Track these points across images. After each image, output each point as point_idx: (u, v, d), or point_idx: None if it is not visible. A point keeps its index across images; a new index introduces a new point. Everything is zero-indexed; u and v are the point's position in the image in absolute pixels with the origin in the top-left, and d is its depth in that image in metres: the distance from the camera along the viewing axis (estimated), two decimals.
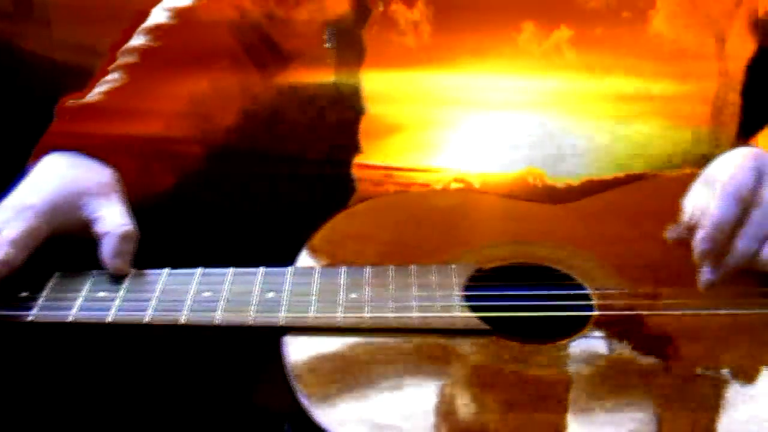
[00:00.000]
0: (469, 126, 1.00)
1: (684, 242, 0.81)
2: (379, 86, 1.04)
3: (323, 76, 1.14)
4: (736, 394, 0.75)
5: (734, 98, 1.01)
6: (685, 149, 0.98)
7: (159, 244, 0.88)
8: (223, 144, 1.01)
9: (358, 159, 1.07)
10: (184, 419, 0.97)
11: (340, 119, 1.12)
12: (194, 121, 0.97)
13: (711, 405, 0.74)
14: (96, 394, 0.98)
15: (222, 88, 1.01)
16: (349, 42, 1.09)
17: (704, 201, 0.81)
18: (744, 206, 0.79)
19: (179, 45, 0.99)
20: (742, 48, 0.99)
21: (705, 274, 0.80)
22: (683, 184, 0.85)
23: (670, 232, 0.82)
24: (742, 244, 0.79)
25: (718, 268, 0.79)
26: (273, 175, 1.15)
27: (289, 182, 1.16)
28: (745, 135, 0.99)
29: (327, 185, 1.10)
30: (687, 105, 0.97)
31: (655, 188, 0.95)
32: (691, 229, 0.80)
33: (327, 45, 1.15)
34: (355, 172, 1.07)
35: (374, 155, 1.04)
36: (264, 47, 1.03)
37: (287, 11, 1.05)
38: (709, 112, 0.98)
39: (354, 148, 1.08)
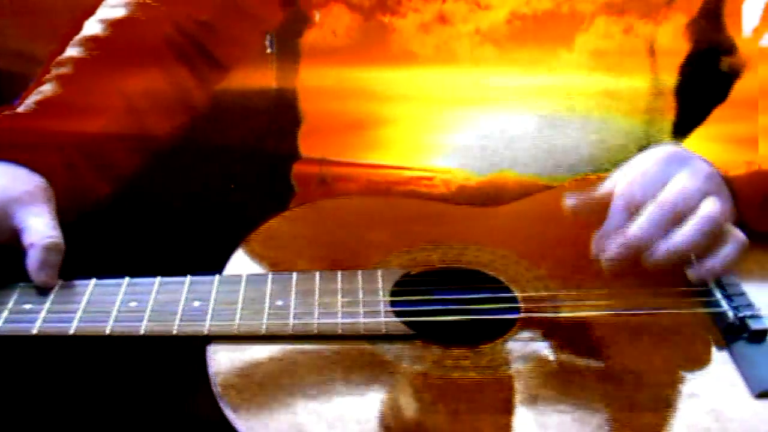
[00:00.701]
0: (407, 123, 0.99)
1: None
2: (315, 89, 1.03)
3: (265, 82, 1.14)
4: (659, 392, 0.74)
5: (668, 98, 1.00)
6: (618, 151, 0.97)
7: (92, 251, 0.86)
8: (159, 150, 1.00)
9: (297, 163, 1.06)
10: (118, 430, 0.95)
11: (280, 125, 1.11)
12: (129, 129, 0.96)
13: (637, 404, 0.73)
14: (26, 406, 0.96)
15: (157, 96, 1.00)
16: (288, 48, 1.08)
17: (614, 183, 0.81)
18: (648, 194, 0.79)
19: (113, 55, 0.98)
20: (677, 48, 0.99)
21: (606, 253, 0.79)
22: None
23: (568, 199, 0.82)
24: (637, 226, 0.78)
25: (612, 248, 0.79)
26: (211, 180, 1.14)
27: (228, 187, 1.15)
28: (679, 135, 0.99)
29: (266, 189, 1.10)
30: (621, 104, 0.97)
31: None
32: (590, 204, 0.80)
33: (268, 51, 1.14)
34: (295, 176, 1.06)
35: (314, 155, 1.03)
36: (198, 55, 1.02)
37: (223, 24, 1.04)
38: (642, 112, 0.97)
39: (293, 153, 1.07)
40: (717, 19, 0.98)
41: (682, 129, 0.99)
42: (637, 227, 0.78)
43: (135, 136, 0.98)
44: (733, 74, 0.96)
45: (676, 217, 0.78)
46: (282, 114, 1.12)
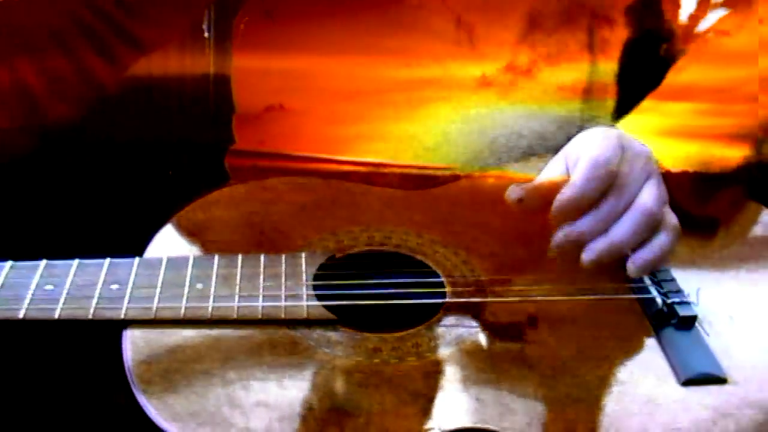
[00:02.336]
0: (344, 114, 0.95)
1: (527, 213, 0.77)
2: (248, 76, 0.99)
3: (202, 68, 1.09)
4: (587, 379, 0.71)
5: (609, 84, 0.97)
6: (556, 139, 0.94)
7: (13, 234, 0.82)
8: (62, 132, 0.95)
9: (231, 148, 1.02)
10: (47, 418, 0.91)
11: (215, 112, 1.07)
12: (18, 111, 0.91)
13: (565, 391, 0.70)
14: None
15: (54, 76, 0.94)
16: (224, 32, 1.04)
17: (561, 168, 0.78)
18: (610, 177, 0.75)
19: (2, 32, 0.92)
20: (616, 36, 0.96)
21: (555, 242, 0.76)
22: None
23: (512, 192, 0.77)
24: (588, 221, 0.75)
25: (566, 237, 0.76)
26: (141, 167, 1.10)
27: (159, 174, 1.11)
28: (617, 117, 0.96)
29: (199, 176, 1.05)
30: (559, 92, 0.94)
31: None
32: (537, 194, 0.76)
33: (205, 35, 1.09)
34: (228, 162, 1.01)
35: (248, 143, 0.99)
36: (113, 35, 0.97)
37: (144, 3, 0.99)
38: (580, 100, 0.94)
39: (227, 139, 1.03)
40: (656, 6, 0.95)
41: (622, 114, 0.96)
42: (591, 219, 0.75)
43: (24, 115, 0.93)
44: (670, 59, 0.93)
45: (619, 210, 0.75)
46: (217, 101, 1.08)
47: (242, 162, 1.01)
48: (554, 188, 0.77)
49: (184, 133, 1.13)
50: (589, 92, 0.95)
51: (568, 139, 0.82)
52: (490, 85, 0.92)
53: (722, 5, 0.91)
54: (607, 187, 0.75)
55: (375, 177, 0.94)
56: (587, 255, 0.75)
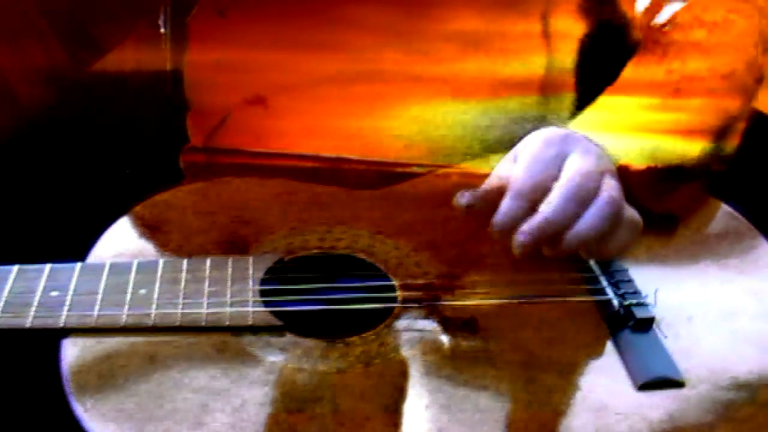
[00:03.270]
0: (299, 110, 0.91)
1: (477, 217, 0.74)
2: (204, 72, 0.95)
3: (157, 63, 1.05)
4: (541, 384, 0.68)
5: (566, 78, 0.94)
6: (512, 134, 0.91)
7: None
8: (30, 124, 0.92)
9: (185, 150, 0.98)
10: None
11: (169, 109, 1.03)
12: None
13: (519, 396, 0.67)
14: None
15: (29, 65, 0.91)
16: (179, 29, 1.00)
17: (507, 171, 0.74)
18: (550, 169, 0.72)
19: None
20: (572, 29, 0.92)
21: (518, 238, 0.73)
22: None
23: (461, 198, 0.75)
24: (553, 204, 0.72)
25: (530, 231, 0.72)
26: (97, 165, 1.06)
27: (114, 172, 1.07)
28: (576, 111, 0.92)
29: (153, 175, 1.02)
30: (513, 89, 0.90)
31: (476, 174, 0.87)
32: (487, 197, 0.73)
33: (162, 30, 1.05)
34: (183, 164, 0.98)
35: (201, 140, 0.96)
36: (76, 33, 0.94)
37: (101, 2, 0.95)
38: (537, 94, 0.91)
39: (182, 137, 0.99)
40: None
41: (580, 108, 0.92)
42: (546, 212, 0.72)
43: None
44: (627, 53, 0.90)
45: (582, 199, 0.72)
46: (173, 99, 1.04)
47: (195, 159, 0.97)
48: (501, 191, 0.74)
49: (140, 131, 1.09)
50: (545, 88, 0.92)
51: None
52: (434, 82, 0.88)
53: None
54: (550, 178, 0.72)
55: (329, 173, 0.91)
56: (565, 243, 0.72)
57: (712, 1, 0.87)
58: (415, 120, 0.89)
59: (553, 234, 0.73)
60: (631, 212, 0.74)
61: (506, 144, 0.88)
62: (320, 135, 0.91)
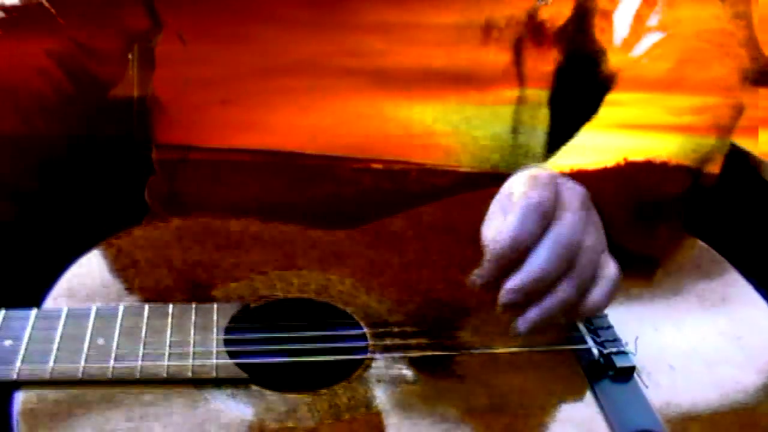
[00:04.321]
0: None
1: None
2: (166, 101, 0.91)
3: (126, 90, 1.02)
4: (513, 429, 0.64)
5: (539, 110, 0.90)
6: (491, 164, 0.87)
7: None
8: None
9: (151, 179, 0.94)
10: None
11: (133, 140, 0.99)
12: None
13: None
14: None
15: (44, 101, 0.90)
16: (146, 54, 0.97)
17: (499, 222, 0.70)
18: (544, 219, 0.68)
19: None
20: (546, 58, 0.89)
21: (502, 296, 0.67)
22: (483, 203, 0.73)
23: (477, 277, 0.68)
24: (542, 260, 0.67)
25: (516, 289, 0.67)
26: (54, 200, 1.02)
27: (76, 204, 1.03)
28: (552, 147, 0.89)
29: (117, 208, 0.98)
30: (486, 115, 0.87)
31: (449, 210, 0.83)
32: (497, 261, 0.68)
33: (129, 56, 1.02)
34: (148, 193, 0.94)
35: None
36: (84, 76, 0.91)
37: (91, 37, 0.92)
38: (509, 125, 0.87)
39: (147, 169, 0.95)
40: (585, 28, 0.88)
41: (555, 142, 0.89)
42: (535, 264, 0.67)
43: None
44: (605, 85, 0.86)
45: (573, 253, 0.68)
46: (139, 127, 1.00)
47: (161, 191, 0.93)
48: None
49: (104, 164, 1.06)
50: (518, 119, 0.88)
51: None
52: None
53: (657, 29, 0.85)
54: (542, 228, 0.68)
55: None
56: (522, 325, 0.67)
57: (691, 35, 0.84)
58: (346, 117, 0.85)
59: (536, 290, 0.68)
60: (609, 265, 0.70)
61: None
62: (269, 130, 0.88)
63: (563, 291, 0.67)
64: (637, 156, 0.79)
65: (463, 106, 0.86)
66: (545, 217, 0.68)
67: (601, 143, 0.82)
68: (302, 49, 0.84)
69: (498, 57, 0.85)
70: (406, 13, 0.84)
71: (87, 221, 1.01)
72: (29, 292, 0.75)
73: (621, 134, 0.82)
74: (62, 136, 0.95)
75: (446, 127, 0.86)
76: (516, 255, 0.67)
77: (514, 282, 0.66)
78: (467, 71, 0.86)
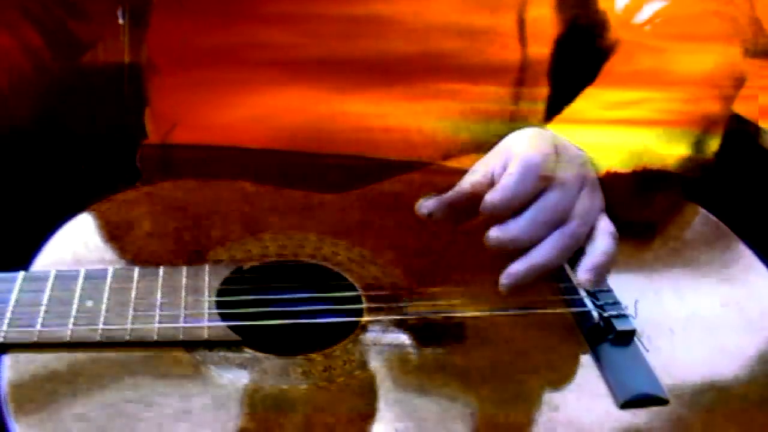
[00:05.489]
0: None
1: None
2: (161, 64, 0.89)
3: (117, 56, 0.99)
4: (517, 402, 0.63)
5: (541, 80, 0.88)
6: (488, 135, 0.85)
7: None
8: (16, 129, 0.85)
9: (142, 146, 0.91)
10: None
11: (127, 104, 0.96)
12: None
13: (492, 416, 0.62)
14: None
15: (19, 76, 0.85)
16: (139, 19, 0.94)
17: (488, 169, 0.68)
18: (542, 181, 0.66)
19: None
20: (547, 29, 0.87)
21: (504, 278, 0.66)
22: None
23: (423, 207, 0.68)
24: (525, 225, 0.66)
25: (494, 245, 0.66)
26: (49, 162, 1.00)
27: (67, 169, 1.00)
28: (550, 114, 0.87)
29: (108, 173, 0.95)
30: (488, 91, 0.84)
31: (444, 175, 0.81)
32: (456, 205, 0.67)
33: (120, 21, 0.99)
34: (139, 160, 0.91)
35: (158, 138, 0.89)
36: (62, 35, 0.88)
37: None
38: (511, 94, 0.85)
39: (139, 134, 0.92)
40: None
41: (555, 108, 0.87)
42: (516, 228, 0.66)
43: None
44: (605, 53, 0.84)
45: (555, 221, 0.67)
46: (130, 92, 0.98)
47: (152, 158, 0.90)
48: (469, 198, 0.68)
49: (96, 127, 1.03)
50: (519, 83, 0.86)
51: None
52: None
53: None
54: (539, 189, 0.66)
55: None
56: (505, 280, 0.66)
57: (693, 2, 0.82)
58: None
59: (513, 250, 0.67)
60: (607, 226, 0.68)
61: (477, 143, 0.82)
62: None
63: (546, 251, 0.66)
64: (636, 124, 0.77)
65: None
66: (543, 179, 0.66)
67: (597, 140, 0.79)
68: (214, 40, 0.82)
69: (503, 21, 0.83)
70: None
71: (78, 185, 0.99)
72: (17, 256, 0.73)
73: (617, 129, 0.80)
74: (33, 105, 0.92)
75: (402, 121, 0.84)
76: (506, 209, 0.65)
77: (496, 232, 0.66)
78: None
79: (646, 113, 0.78)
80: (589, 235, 0.68)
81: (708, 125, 0.80)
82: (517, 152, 0.67)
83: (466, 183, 0.68)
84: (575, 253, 0.68)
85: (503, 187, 0.65)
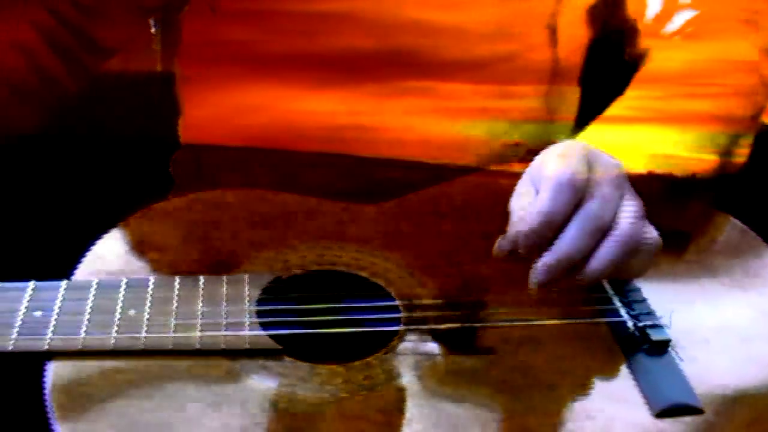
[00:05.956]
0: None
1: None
2: (194, 73, 0.89)
3: (149, 64, 1.00)
4: (551, 412, 0.63)
5: (571, 87, 0.89)
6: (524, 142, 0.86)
7: None
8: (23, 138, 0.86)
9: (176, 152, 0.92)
10: None
11: (160, 111, 0.97)
12: None
13: (528, 426, 0.62)
14: None
15: (19, 88, 0.85)
16: (173, 27, 0.95)
17: (530, 197, 0.68)
18: (576, 195, 0.67)
19: None
20: (577, 36, 0.87)
21: (534, 275, 0.67)
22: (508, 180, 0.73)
23: (502, 244, 0.68)
24: (571, 239, 0.66)
25: (547, 269, 0.67)
26: (82, 172, 1.00)
27: (101, 179, 1.01)
28: (583, 124, 0.87)
29: (142, 181, 0.96)
30: (519, 100, 0.85)
31: (478, 185, 0.82)
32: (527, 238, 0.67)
33: (153, 30, 1.00)
34: (173, 167, 0.92)
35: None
36: (77, 42, 0.88)
37: (103, 6, 0.90)
38: (543, 104, 0.86)
39: (173, 141, 0.93)
40: (618, 4, 0.87)
41: (584, 120, 0.87)
42: (560, 249, 0.67)
43: None
44: (635, 63, 0.85)
45: (600, 231, 0.67)
46: (164, 100, 0.98)
47: (187, 164, 0.91)
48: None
49: (127, 134, 1.04)
50: (552, 101, 0.86)
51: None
52: None
53: (690, 6, 0.83)
54: (574, 205, 0.67)
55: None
56: (581, 278, 0.67)
57: (723, 11, 0.82)
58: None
59: (568, 268, 0.67)
60: (650, 232, 0.69)
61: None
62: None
63: (590, 266, 0.67)
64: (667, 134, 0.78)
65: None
66: (577, 193, 0.67)
67: (625, 139, 0.80)
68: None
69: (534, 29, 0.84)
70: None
71: (110, 194, 1.00)
72: (54, 269, 0.74)
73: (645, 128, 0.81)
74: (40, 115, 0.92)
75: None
76: (547, 232, 0.66)
77: (544, 261, 0.66)
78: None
79: (674, 123, 0.79)
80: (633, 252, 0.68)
81: (737, 133, 0.80)
82: (546, 174, 0.68)
83: (515, 207, 0.69)
84: None
85: (539, 213, 0.66)
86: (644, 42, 0.85)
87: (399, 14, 0.82)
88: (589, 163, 0.69)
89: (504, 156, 0.85)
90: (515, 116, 0.86)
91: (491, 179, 0.82)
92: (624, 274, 0.69)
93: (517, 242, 0.67)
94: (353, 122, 0.83)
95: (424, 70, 0.83)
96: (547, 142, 0.76)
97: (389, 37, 0.82)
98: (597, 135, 0.78)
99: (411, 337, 0.67)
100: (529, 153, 0.79)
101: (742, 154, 0.81)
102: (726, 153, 0.79)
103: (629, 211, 0.68)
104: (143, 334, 0.65)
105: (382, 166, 0.83)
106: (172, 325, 0.66)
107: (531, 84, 0.86)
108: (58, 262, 0.74)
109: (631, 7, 0.86)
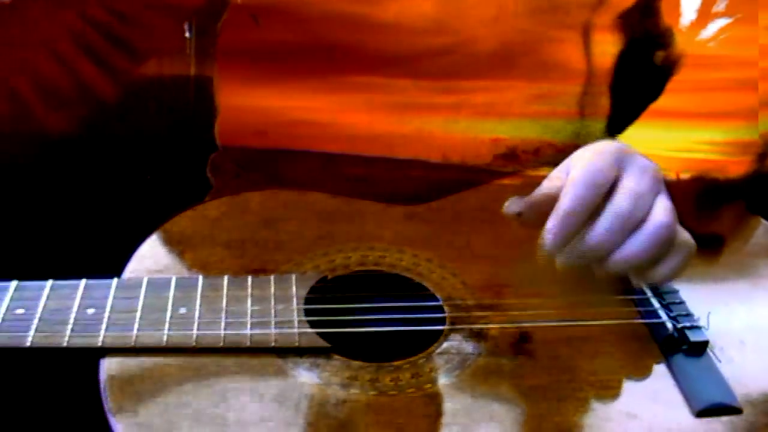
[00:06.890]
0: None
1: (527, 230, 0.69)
2: (234, 78, 0.91)
3: (183, 69, 1.01)
4: (592, 411, 0.65)
5: (603, 94, 0.90)
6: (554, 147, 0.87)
7: None
8: (54, 144, 0.87)
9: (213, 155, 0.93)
10: None
11: (196, 114, 0.98)
12: (13, 120, 0.83)
13: (570, 423, 0.64)
14: None
15: (50, 89, 0.86)
16: (207, 33, 0.96)
17: (562, 179, 0.70)
18: (600, 192, 0.68)
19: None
20: (609, 43, 0.88)
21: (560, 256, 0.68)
22: None
23: (511, 205, 0.69)
24: (595, 235, 0.67)
25: (567, 255, 0.68)
26: (119, 175, 1.02)
27: (139, 180, 1.02)
28: (613, 131, 0.88)
29: (180, 183, 0.97)
30: (553, 103, 0.86)
31: (517, 189, 0.83)
32: (538, 208, 0.69)
33: (187, 35, 1.01)
34: (210, 169, 0.93)
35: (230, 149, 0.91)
36: (111, 47, 0.89)
37: (138, 12, 0.91)
38: (576, 109, 0.87)
39: (210, 144, 0.95)
40: (652, 12, 0.88)
41: (616, 125, 0.89)
42: (593, 235, 0.67)
43: (20, 127, 0.85)
44: (668, 69, 0.86)
45: (632, 223, 0.68)
46: (199, 103, 1.00)
47: (224, 166, 0.93)
48: (552, 201, 0.69)
49: (164, 137, 1.05)
50: (584, 107, 0.87)
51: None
52: None
53: (725, 14, 0.84)
54: (601, 196, 0.68)
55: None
56: (610, 267, 0.68)
57: (758, 19, 0.84)
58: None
59: (597, 257, 0.69)
60: (684, 235, 0.70)
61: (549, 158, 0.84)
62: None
63: (615, 256, 0.68)
64: (701, 138, 0.79)
65: None
66: (604, 185, 0.68)
67: (660, 135, 0.81)
68: None
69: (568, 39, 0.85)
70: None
71: (150, 199, 1.01)
72: (93, 270, 0.75)
73: (682, 124, 0.82)
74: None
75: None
76: (576, 224, 0.67)
77: (570, 250, 0.67)
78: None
79: (708, 129, 0.80)
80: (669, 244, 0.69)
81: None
82: (576, 163, 0.69)
83: (545, 188, 0.70)
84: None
85: (567, 194, 0.67)
86: (679, 49, 0.86)
87: (327, 9, 0.82)
88: (622, 158, 0.70)
89: (481, 154, 0.85)
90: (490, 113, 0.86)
91: (530, 182, 0.83)
92: (656, 275, 0.70)
93: (531, 206, 0.68)
94: (306, 118, 0.84)
95: (363, 65, 0.84)
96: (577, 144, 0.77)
97: (315, 31, 0.83)
98: (634, 135, 0.79)
99: (456, 336, 0.69)
100: (558, 152, 0.80)
101: None
102: (759, 156, 0.80)
103: (663, 208, 0.69)
104: (195, 332, 0.67)
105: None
106: (223, 323, 0.67)
107: (476, 79, 0.86)
108: (96, 265, 0.75)
109: (665, 13, 0.87)
